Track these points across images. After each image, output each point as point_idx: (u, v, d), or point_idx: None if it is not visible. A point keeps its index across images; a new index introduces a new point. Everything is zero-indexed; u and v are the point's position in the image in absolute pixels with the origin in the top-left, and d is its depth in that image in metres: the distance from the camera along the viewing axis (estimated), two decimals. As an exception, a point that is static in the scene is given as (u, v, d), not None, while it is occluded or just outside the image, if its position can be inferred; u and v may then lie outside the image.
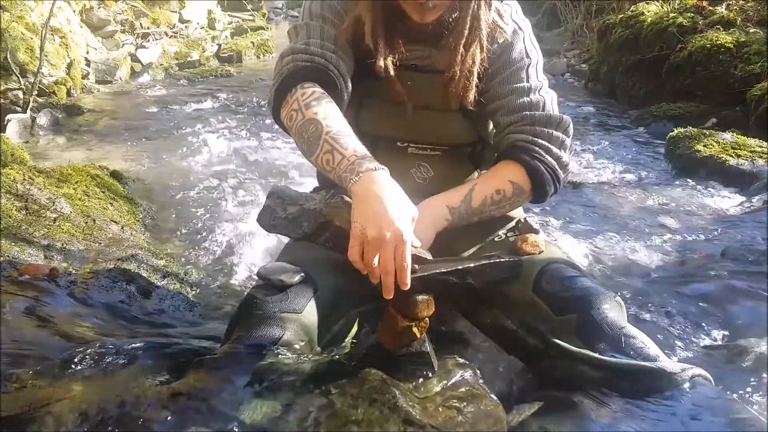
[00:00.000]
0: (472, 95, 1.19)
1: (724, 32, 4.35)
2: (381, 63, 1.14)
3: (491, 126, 1.32)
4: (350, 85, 1.16)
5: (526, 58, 1.22)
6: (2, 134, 2.86)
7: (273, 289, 1.02)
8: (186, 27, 6.82)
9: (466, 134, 1.28)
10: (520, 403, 0.96)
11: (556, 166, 1.18)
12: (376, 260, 0.91)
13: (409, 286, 0.91)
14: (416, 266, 0.93)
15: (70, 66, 4.67)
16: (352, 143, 1.01)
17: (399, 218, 0.91)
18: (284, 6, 11.48)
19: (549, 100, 1.21)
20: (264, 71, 6.04)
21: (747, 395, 1.31)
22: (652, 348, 0.99)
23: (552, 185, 1.19)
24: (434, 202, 1.17)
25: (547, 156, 1.17)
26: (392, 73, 1.16)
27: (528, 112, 1.18)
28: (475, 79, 1.17)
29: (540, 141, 1.17)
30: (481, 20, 1.15)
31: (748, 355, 1.45)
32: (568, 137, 1.20)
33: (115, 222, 2.15)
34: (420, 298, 0.96)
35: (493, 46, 1.20)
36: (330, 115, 1.05)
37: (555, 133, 1.18)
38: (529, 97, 1.19)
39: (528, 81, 1.21)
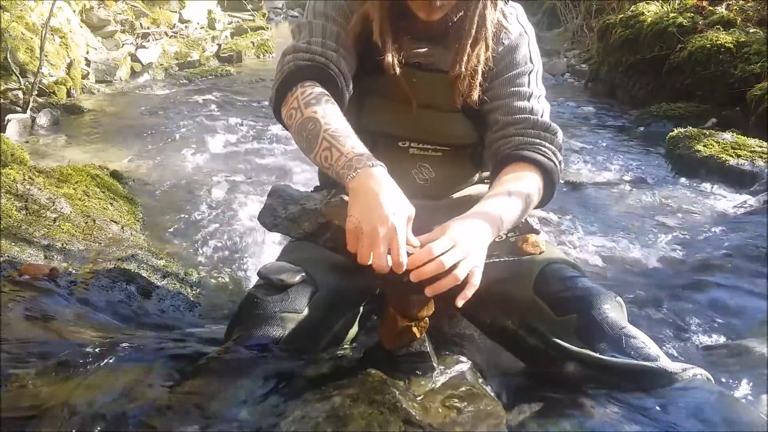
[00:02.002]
0: (476, 95, 1.19)
1: (724, 32, 4.36)
2: (389, 61, 1.14)
3: None
4: (351, 83, 1.16)
5: (530, 63, 1.22)
6: (2, 134, 2.85)
7: (273, 288, 1.02)
8: (186, 27, 6.82)
9: (468, 135, 1.28)
10: (520, 403, 0.95)
11: (559, 171, 1.18)
12: (371, 258, 0.91)
13: (404, 269, 0.89)
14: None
15: (70, 66, 4.66)
16: (350, 141, 1.01)
17: (394, 213, 0.91)
18: (284, 6, 11.48)
19: (546, 109, 1.22)
20: (264, 71, 6.04)
21: (747, 395, 1.32)
22: (652, 348, 0.99)
23: (556, 189, 1.19)
24: (490, 215, 1.03)
25: (555, 159, 1.17)
26: (398, 71, 1.16)
27: (530, 116, 1.18)
28: (479, 78, 1.17)
29: (547, 144, 1.17)
30: (487, 20, 1.15)
31: (748, 355, 1.45)
32: (560, 149, 1.20)
33: (115, 222, 2.15)
34: (420, 298, 0.96)
35: (498, 47, 1.20)
36: (329, 113, 1.05)
37: (555, 139, 1.18)
38: (529, 101, 1.19)
39: (529, 86, 1.21)
